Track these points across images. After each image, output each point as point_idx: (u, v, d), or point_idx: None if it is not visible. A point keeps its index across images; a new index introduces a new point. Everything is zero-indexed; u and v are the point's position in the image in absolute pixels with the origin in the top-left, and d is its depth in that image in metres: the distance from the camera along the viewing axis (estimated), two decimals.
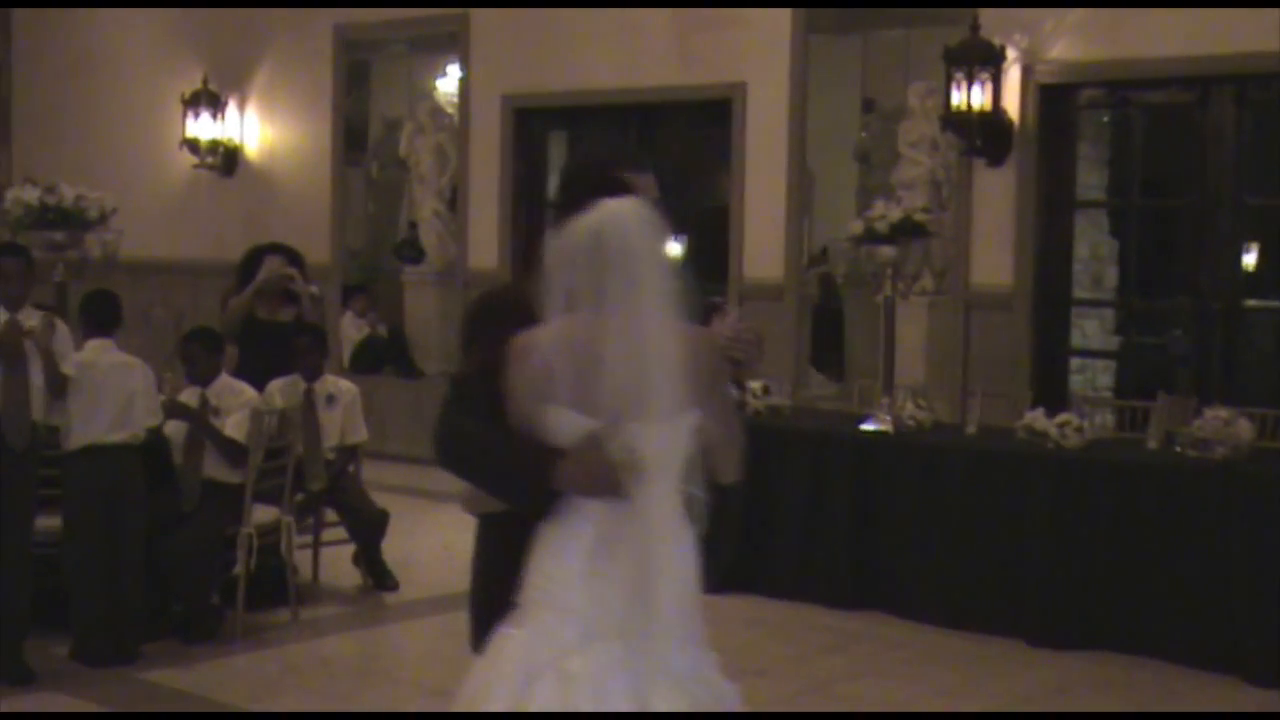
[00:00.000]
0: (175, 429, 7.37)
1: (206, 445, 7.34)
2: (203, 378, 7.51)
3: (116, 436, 6.88)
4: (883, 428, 8.21)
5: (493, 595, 3.44)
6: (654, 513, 3.27)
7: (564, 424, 3.28)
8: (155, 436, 7.23)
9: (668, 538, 3.29)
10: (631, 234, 3.28)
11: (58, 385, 6.68)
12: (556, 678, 3.24)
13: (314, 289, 8.69)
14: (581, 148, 11.17)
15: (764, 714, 3.61)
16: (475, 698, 3.34)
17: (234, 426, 7.36)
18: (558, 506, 3.32)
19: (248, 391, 7.59)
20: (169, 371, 8.25)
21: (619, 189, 3.39)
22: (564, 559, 3.30)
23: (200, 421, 7.34)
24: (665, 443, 3.28)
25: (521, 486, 3.35)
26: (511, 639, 3.32)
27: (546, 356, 3.27)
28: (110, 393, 6.88)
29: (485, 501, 3.49)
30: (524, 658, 3.28)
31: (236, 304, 8.45)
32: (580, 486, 3.29)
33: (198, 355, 7.55)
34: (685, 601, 3.33)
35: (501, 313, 3.50)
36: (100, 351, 6.99)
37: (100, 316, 7.12)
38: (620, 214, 3.29)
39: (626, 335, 3.25)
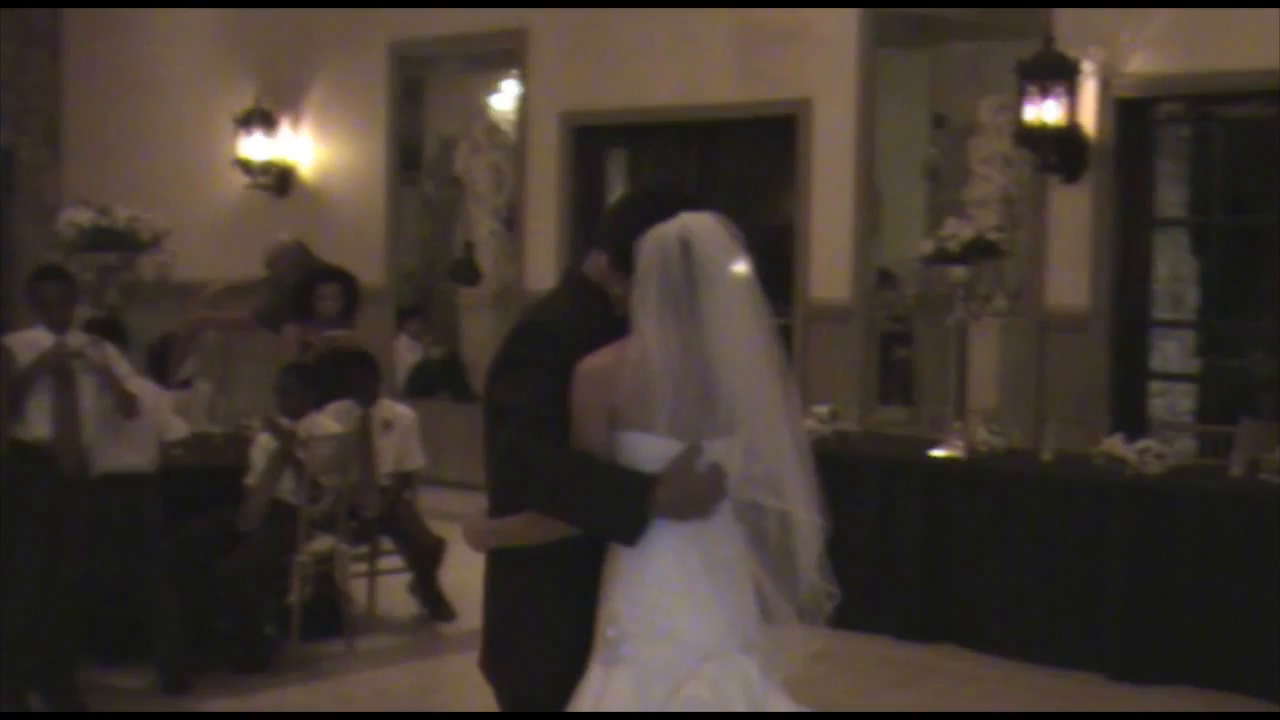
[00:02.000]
0: (259, 449, 7.34)
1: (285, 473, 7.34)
2: (295, 411, 7.49)
3: (130, 461, 6.80)
4: (954, 454, 8.12)
5: (536, 630, 3.45)
6: (733, 529, 3.36)
7: (649, 448, 3.28)
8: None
9: (745, 553, 3.38)
10: (716, 244, 3.29)
11: (128, 405, 6.66)
12: (678, 705, 3.28)
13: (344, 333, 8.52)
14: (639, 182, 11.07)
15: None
16: None
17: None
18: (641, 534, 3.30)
19: (334, 428, 7.61)
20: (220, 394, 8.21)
21: (696, 205, 3.40)
22: (663, 585, 3.31)
23: (287, 446, 7.31)
24: (738, 458, 3.34)
25: (622, 516, 3.29)
26: (617, 675, 3.30)
27: (625, 380, 3.27)
28: (124, 420, 6.77)
29: (531, 533, 3.40)
30: (639, 692, 3.28)
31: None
32: (675, 510, 3.29)
33: (292, 388, 7.58)
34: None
35: (557, 336, 3.43)
36: None
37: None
38: (705, 225, 3.31)
39: (707, 351, 3.27)
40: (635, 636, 3.29)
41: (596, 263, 3.51)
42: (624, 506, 3.28)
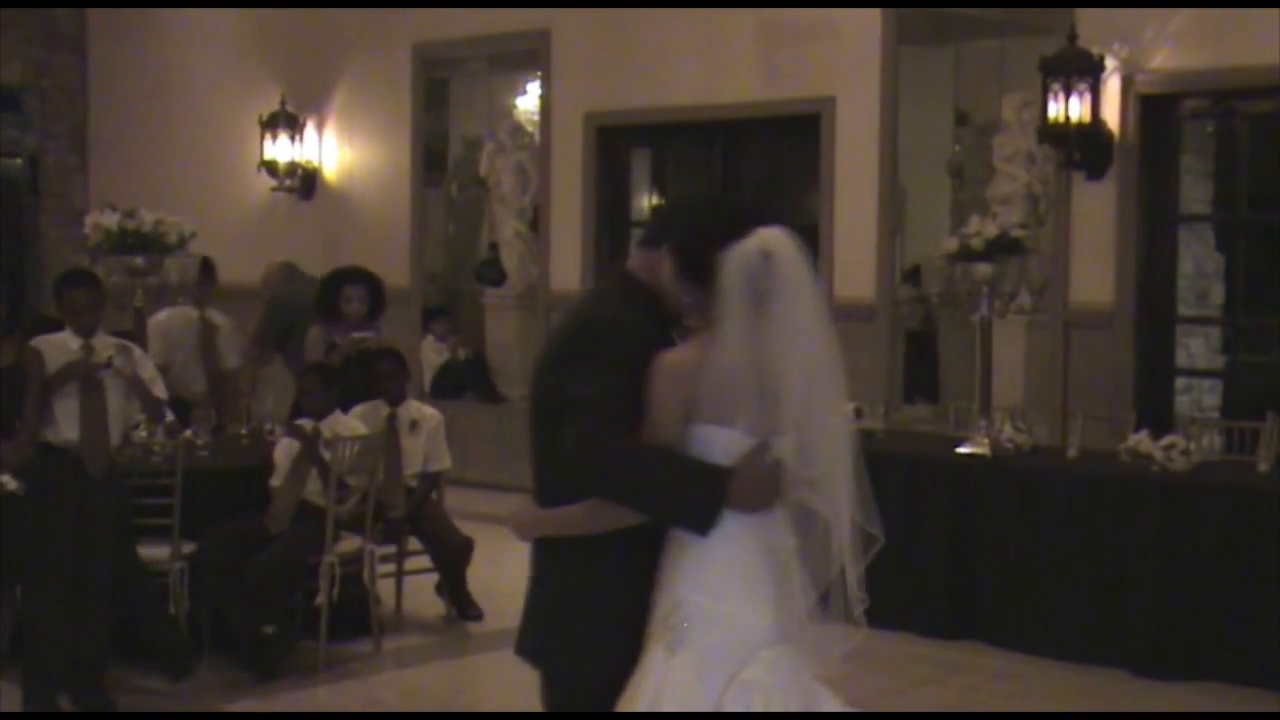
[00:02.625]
0: (282, 452, 7.36)
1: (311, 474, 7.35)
2: (318, 412, 7.49)
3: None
4: (980, 451, 8.08)
5: (595, 619, 3.52)
6: (786, 526, 3.50)
7: (723, 442, 3.42)
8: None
9: (793, 550, 3.51)
10: (793, 256, 3.47)
11: (156, 409, 6.77)
12: (737, 689, 3.38)
13: (370, 335, 8.54)
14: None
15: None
16: None
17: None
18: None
19: (359, 429, 7.59)
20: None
21: (762, 216, 3.58)
22: (726, 574, 3.43)
23: (311, 450, 7.31)
24: (793, 458, 3.47)
25: (700, 506, 3.40)
26: (678, 661, 3.39)
27: (706, 377, 3.41)
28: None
29: (593, 521, 3.48)
30: (699, 678, 3.39)
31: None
32: (744, 503, 3.42)
33: (315, 389, 7.58)
34: None
35: (622, 332, 3.55)
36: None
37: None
38: (782, 238, 3.48)
39: (781, 355, 3.44)
40: (697, 623, 3.40)
41: (646, 262, 3.63)
42: (702, 497, 3.40)
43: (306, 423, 7.44)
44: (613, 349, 3.49)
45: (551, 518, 3.54)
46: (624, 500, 3.45)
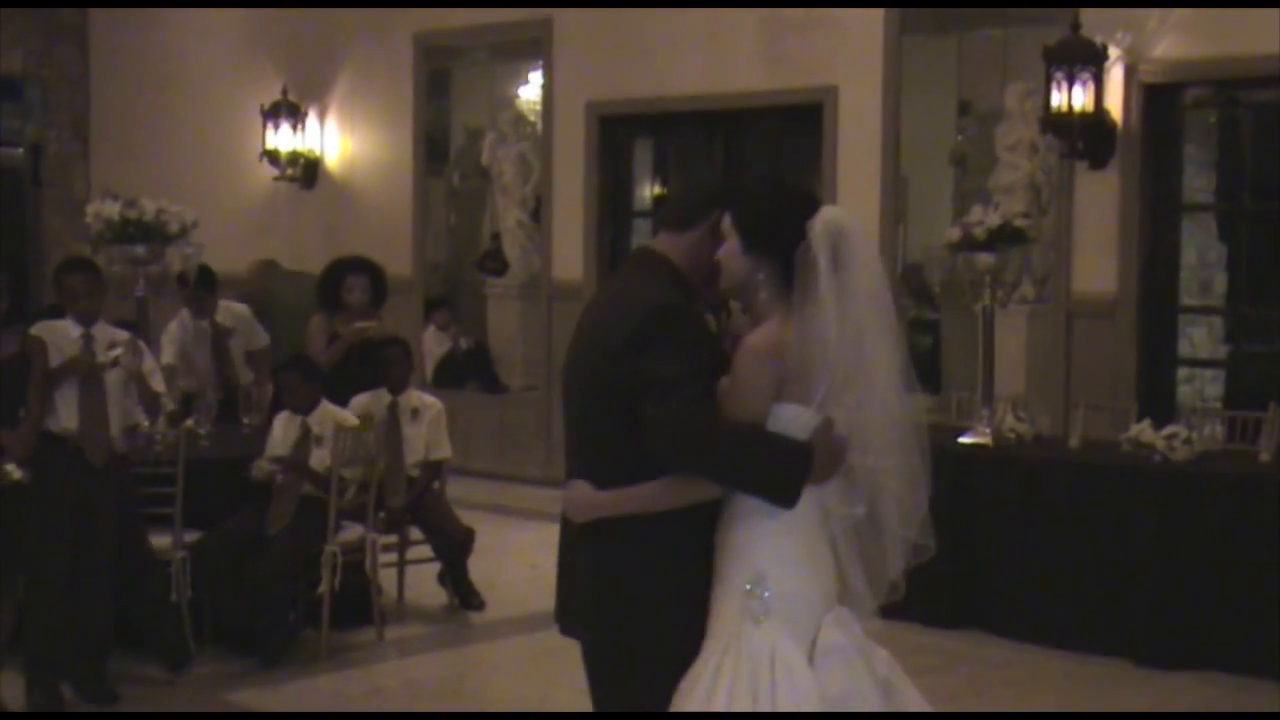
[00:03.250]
0: (280, 426, 7.40)
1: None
2: (303, 406, 7.44)
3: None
4: (982, 441, 8.09)
5: (662, 597, 3.64)
6: (837, 489, 3.68)
7: (801, 419, 3.56)
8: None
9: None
10: (859, 234, 3.67)
11: (153, 405, 6.78)
12: (829, 656, 3.58)
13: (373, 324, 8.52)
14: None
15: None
16: (757, 691, 3.52)
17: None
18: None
19: (348, 419, 7.55)
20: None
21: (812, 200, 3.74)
22: (800, 544, 3.60)
23: (298, 461, 7.31)
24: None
25: (790, 480, 3.53)
26: (771, 629, 3.53)
27: (794, 355, 3.55)
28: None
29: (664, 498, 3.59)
30: (793, 643, 3.55)
31: (327, 361, 8.25)
32: (817, 476, 3.58)
33: (296, 385, 7.52)
34: None
35: (687, 314, 3.67)
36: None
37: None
38: (847, 216, 3.65)
39: (860, 325, 3.57)
40: (779, 592, 3.56)
41: (676, 245, 3.77)
42: (792, 473, 3.54)
43: (292, 423, 7.38)
44: (689, 331, 3.61)
45: (622, 497, 3.61)
46: (717, 475, 3.57)
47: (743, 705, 3.51)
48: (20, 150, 14.33)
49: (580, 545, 3.74)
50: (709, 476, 3.57)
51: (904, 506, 3.72)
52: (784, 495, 3.55)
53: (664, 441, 3.52)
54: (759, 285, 3.65)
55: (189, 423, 7.66)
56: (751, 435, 3.55)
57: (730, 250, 3.67)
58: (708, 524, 3.64)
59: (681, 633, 3.62)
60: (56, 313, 6.86)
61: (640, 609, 3.64)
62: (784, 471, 3.54)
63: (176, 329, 9.19)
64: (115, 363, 6.47)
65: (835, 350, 3.55)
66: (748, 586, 3.57)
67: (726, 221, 3.69)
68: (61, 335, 6.48)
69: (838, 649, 3.60)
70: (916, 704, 3.77)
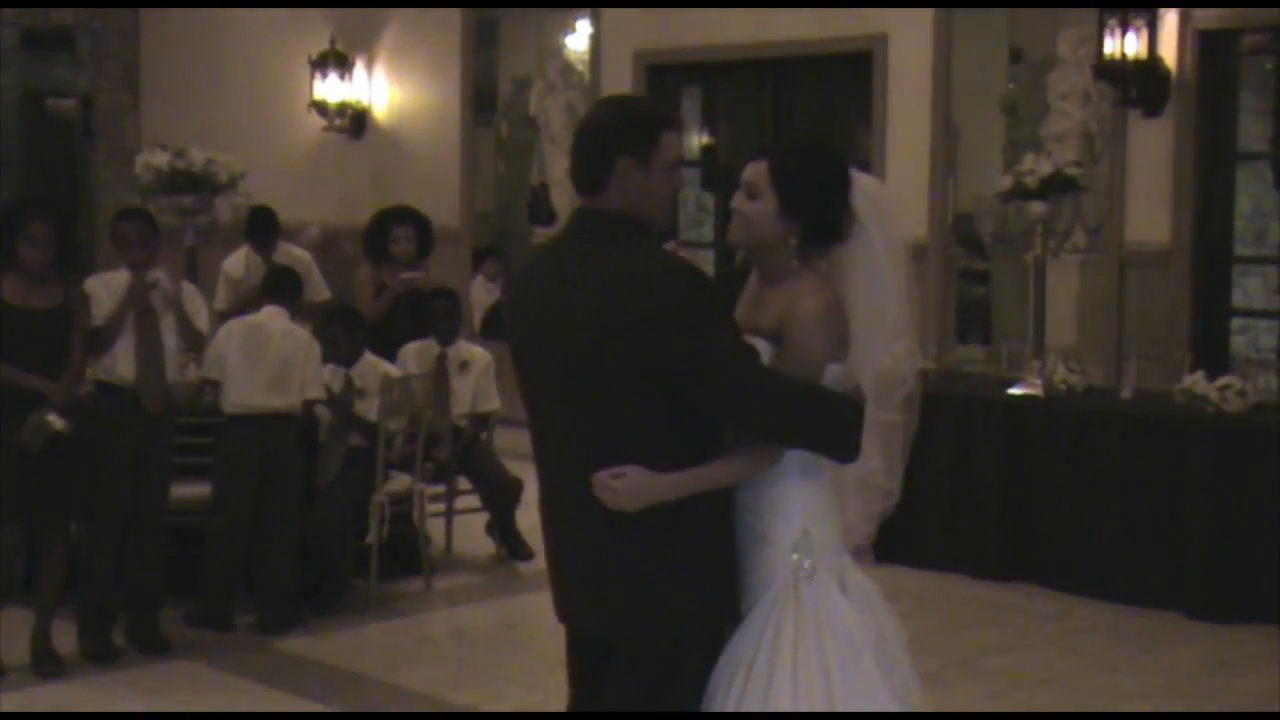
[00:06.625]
0: (324, 407, 7.38)
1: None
2: (346, 358, 7.45)
3: (271, 402, 6.91)
4: (1033, 392, 8.06)
5: (705, 572, 3.54)
6: None
7: (836, 376, 3.60)
8: (309, 412, 7.25)
9: None
10: (886, 200, 3.79)
11: (194, 339, 6.80)
12: (857, 596, 3.67)
13: (420, 275, 8.50)
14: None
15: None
16: (824, 645, 3.56)
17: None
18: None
19: (392, 371, 7.56)
20: None
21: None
22: (825, 497, 3.66)
23: (344, 410, 7.33)
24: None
25: (853, 436, 3.55)
26: (821, 584, 3.59)
27: (846, 317, 3.63)
28: (271, 357, 6.97)
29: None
30: (839, 594, 3.62)
31: (375, 312, 8.26)
32: None
33: (339, 336, 7.52)
34: None
35: (701, 276, 3.65)
36: (272, 317, 7.13)
37: (280, 285, 7.32)
38: (880, 186, 3.84)
39: (871, 289, 3.69)
40: (820, 546, 3.61)
41: (607, 200, 3.53)
42: (853, 428, 3.55)
43: (335, 375, 7.39)
44: (713, 290, 3.54)
45: (687, 479, 3.45)
46: (798, 437, 3.54)
47: (811, 663, 3.51)
48: (72, 101, 14.36)
49: (609, 536, 3.50)
50: (791, 440, 3.54)
51: (892, 461, 3.86)
52: (850, 450, 3.57)
53: (752, 411, 3.46)
54: (787, 249, 3.64)
55: None
56: (823, 394, 3.54)
57: (764, 210, 3.61)
58: (725, 496, 3.58)
59: (721, 615, 3.58)
60: None
61: (687, 596, 3.50)
62: (852, 428, 3.54)
63: (233, 265, 9.15)
64: (155, 284, 6.49)
65: (876, 313, 3.67)
66: (795, 547, 3.58)
67: (761, 176, 3.61)
68: (110, 285, 6.51)
69: (861, 589, 3.69)
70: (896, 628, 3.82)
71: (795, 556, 3.58)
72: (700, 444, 3.48)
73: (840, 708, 3.51)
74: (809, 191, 3.62)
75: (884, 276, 3.70)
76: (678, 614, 3.50)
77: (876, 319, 3.69)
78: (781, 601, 3.55)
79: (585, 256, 3.51)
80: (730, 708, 3.50)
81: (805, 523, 3.59)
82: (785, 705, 3.49)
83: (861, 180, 3.71)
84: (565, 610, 3.70)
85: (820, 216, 3.63)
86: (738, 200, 3.67)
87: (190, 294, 6.77)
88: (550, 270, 3.60)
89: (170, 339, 6.59)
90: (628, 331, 3.38)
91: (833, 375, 3.58)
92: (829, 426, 3.53)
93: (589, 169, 3.54)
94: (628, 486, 3.42)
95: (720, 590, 3.56)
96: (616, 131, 3.53)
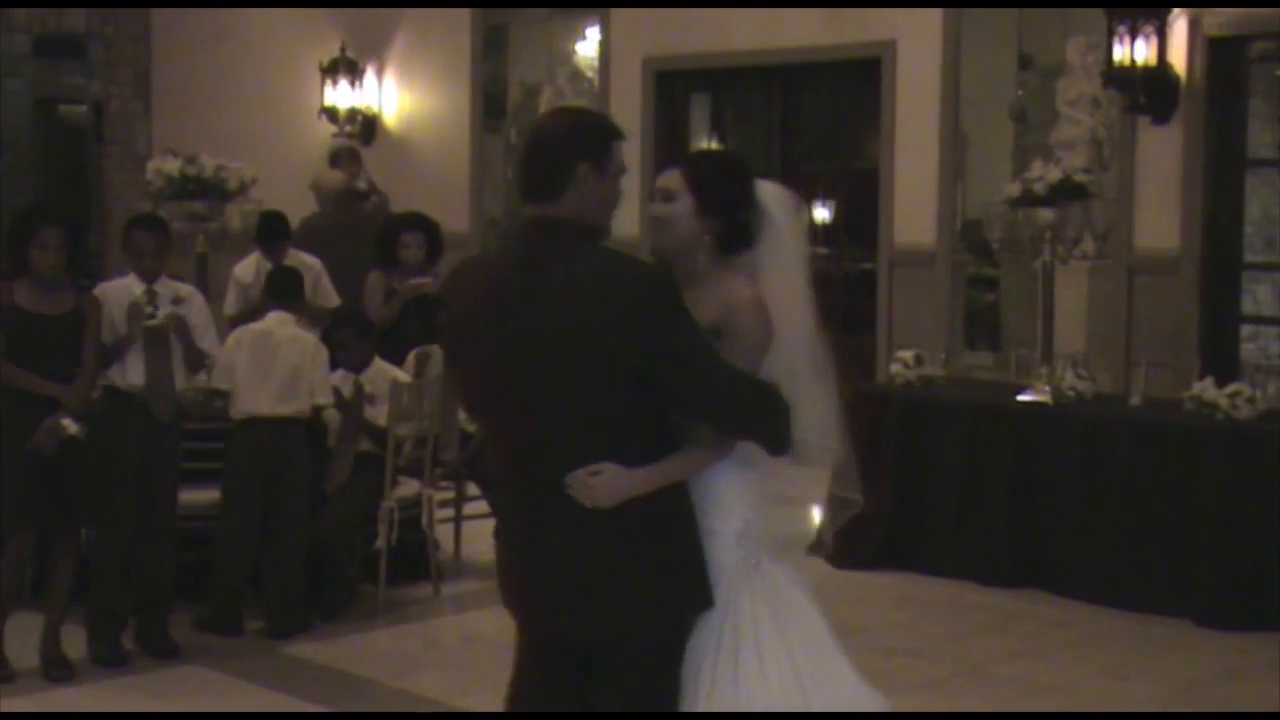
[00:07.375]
0: (332, 412, 7.38)
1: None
2: (356, 364, 7.44)
3: (280, 409, 6.90)
4: (1041, 399, 8.05)
5: (680, 562, 3.63)
6: None
7: (767, 373, 3.69)
8: (317, 417, 7.25)
9: None
10: (791, 205, 3.91)
11: (195, 362, 6.77)
12: (797, 581, 3.80)
13: (429, 281, 8.51)
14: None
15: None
16: (785, 633, 3.68)
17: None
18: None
19: (402, 377, 7.57)
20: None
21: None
22: (758, 488, 3.74)
23: (354, 414, 7.32)
24: None
25: (790, 431, 3.68)
26: (774, 572, 3.72)
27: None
28: (280, 365, 6.98)
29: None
30: (789, 576, 3.77)
31: (384, 318, 8.26)
32: None
33: (350, 342, 7.50)
34: None
35: (670, 278, 3.67)
36: (279, 324, 7.13)
37: (282, 286, 7.32)
38: (781, 190, 3.91)
39: (782, 291, 3.79)
40: (763, 536, 3.74)
41: (562, 209, 3.57)
42: (789, 420, 3.66)
43: (345, 381, 7.39)
44: (678, 296, 3.55)
45: (655, 472, 3.54)
46: (756, 430, 3.63)
47: (774, 645, 3.62)
48: (84, 107, 14.41)
49: (586, 536, 3.57)
50: (745, 430, 3.64)
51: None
52: (786, 443, 3.69)
53: (718, 402, 3.57)
54: (704, 247, 3.74)
55: None
56: (768, 387, 3.65)
57: (682, 211, 3.74)
58: (686, 491, 3.65)
59: (700, 603, 3.65)
60: None
61: (666, 589, 3.60)
62: (788, 421, 3.66)
63: (244, 270, 9.13)
64: (171, 324, 6.51)
65: (786, 315, 3.77)
66: (740, 537, 3.69)
67: (676, 182, 3.75)
68: (123, 292, 6.54)
69: (798, 575, 3.81)
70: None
71: (739, 549, 3.68)
72: (662, 439, 3.57)
73: (808, 683, 3.62)
74: (722, 187, 3.77)
75: (794, 279, 3.83)
76: (661, 607, 3.59)
77: (786, 320, 3.77)
78: (735, 590, 3.64)
79: (546, 264, 3.53)
80: (703, 699, 3.58)
81: (744, 512, 3.70)
82: (756, 688, 3.58)
83: (766, 185, 3.86)
84: (535, 613, 3.79)
85: (733, 213, 3.75)
86: (655, 208, 3.76)
87: (199, 307, 6.78)
88: (500, 286, 3.60)
89: (180, 347, 6.62)
90: (608, 331, 3.45)
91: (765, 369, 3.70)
92: (775, 418, 3.63)
93: (548, 176, 3.59)
94: (605, 483, 3.51)
95: (696, 578, 3.63)
96: (575, 139, 3.62)
